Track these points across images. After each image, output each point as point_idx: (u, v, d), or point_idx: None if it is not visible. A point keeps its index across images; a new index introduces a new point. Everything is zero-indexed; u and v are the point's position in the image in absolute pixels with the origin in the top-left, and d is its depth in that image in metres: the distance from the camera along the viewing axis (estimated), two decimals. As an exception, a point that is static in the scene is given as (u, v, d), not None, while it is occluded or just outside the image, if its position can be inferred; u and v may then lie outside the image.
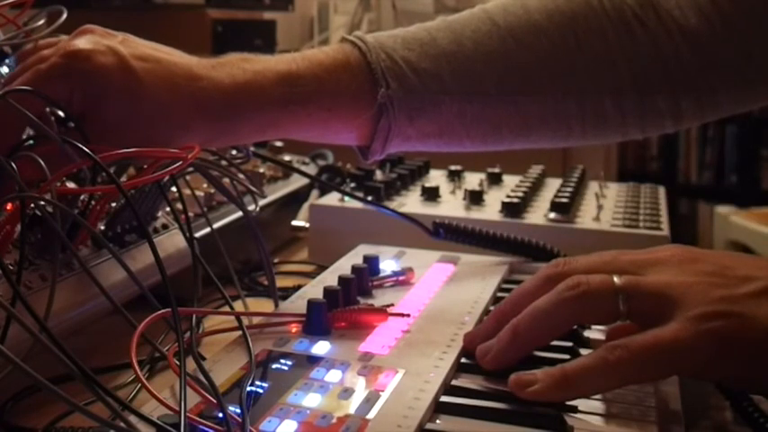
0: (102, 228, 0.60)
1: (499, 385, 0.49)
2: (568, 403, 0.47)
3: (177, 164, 0.54)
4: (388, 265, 0.67)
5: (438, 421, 0.45)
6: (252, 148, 0.76)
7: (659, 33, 0.66)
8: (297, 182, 0.97)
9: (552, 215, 0.85)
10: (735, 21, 0.66)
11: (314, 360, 0.50)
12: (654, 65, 0.67)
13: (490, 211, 0.87)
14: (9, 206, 0.51)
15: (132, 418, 0.38)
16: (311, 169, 1.05)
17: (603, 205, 0.90)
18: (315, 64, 0.63)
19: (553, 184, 1.00)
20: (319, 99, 0.63)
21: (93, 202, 0.57)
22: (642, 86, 0.67)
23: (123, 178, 0.61)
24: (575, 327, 0.55)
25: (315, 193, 0.99)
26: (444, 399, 0.47)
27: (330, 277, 0.64)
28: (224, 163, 0.70)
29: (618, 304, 0.48)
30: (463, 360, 0.52)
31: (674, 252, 0.51)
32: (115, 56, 0.57)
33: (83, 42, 0.57)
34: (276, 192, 0.92)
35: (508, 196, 0.87)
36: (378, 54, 0.65)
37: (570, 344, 0.53)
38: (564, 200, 0.86)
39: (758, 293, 0.46)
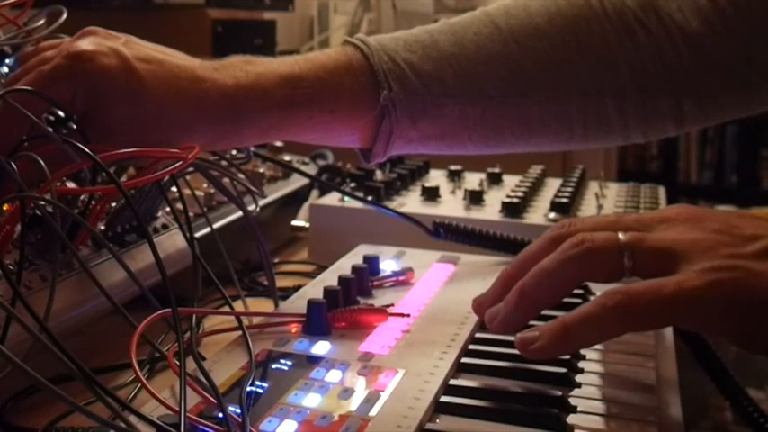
0: (102, 228, 0.60)
1: (499, 385, 0.49)
2: (569, 404, 0.47)
3: (177, 164, 0.54)
4: (388, 265, 0.67)
5: (438, 421, 0.45)
6: (252, 149, 0.76)
7: (660, 36, 0.66)
8: (297, 182, 0.97)
9: (552, 215, 0.85)
10: (736, 24, 0.66)
11: (314, 360, 0.50)
12: (655, 68, 0.67)
13: (490, 211, 0.87)
14: (8, 206, 0.51)
15: (132, 418, 0.38)
16: (311, 169, 1.05)
17: (603, 205, 0.90)
18: (317, 66, 0.63)
19: (553, 184, 1.00)
20: (321, 101, 0.63)
21: (93, 202, 0.57)
22: (644, 89, 0.67)
23: (123, 178, 0.61)
24: (583, 292, 0.55)
25: (315, 193, 0.99)
26: (444, 399, 0.47)
27: (330, 277, 0.64)
28: (224, 163, 0.70)
29: (622, 260, 0.48)
30: (463, 360, 0.52)
31: (681, 211, 0.50)
32: (118, 57, 0.57)
33: (86, 44, 0.57)
34: (276, 192, 0.92)
35: (508, 196, 0.87)
36: (380, 56, 0.65)
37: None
38: (564, 200, 0.86)
39: (765, 252, 0.45)
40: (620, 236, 0.48)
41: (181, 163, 0.54)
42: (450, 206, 0.89)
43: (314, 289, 0.62)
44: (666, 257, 0.47)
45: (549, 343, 0.46)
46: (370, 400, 0.45)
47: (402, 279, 0.65)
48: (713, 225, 0.48)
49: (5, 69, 0.67)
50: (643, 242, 0.48)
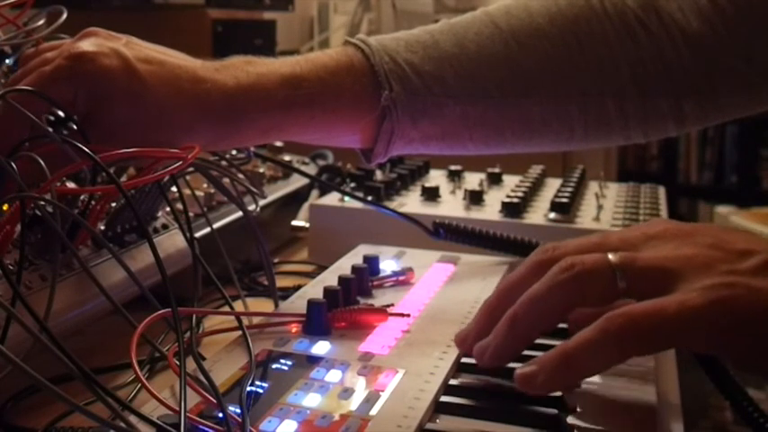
0: (102, 228, 0.60)
1: (499, 383, 0.49)
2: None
3: (177, 164, 0.54)
4: (388, 265, 0.67)
5: (438, 421, 0.45)
6: (252, 149, 0.76)
7: (661, 37, 0.66)
8: (297, 182, 0.97)
9: (552, 215, 0.85)
10: (736, 24, 0.66)
11: (314, 360, 0.50)
12: (656, 68, 0.67)
13: (490, 211, 0.87)
14: (8, 206, 0.51)
15: (132, 418, 0.38)
16: (311, 169, 1.05)
17: (603, 205, 0.90)
18: (318, 66, 0.63)
19: (553, 184, 1.00)
20: (323, 101, 0.63)
21: (93, 202, 0.57)
22: (644, 89, 0.67)
23: (123, 178, 0.61)
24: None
25: (315, 193, 0.99)
26: (444, 399, 0.47)
27: (330, 277, 0.64)
28: (224, 163, 0.70)
29: (615, 282, 0.46)
30: (463, 360, 0.52)
31: (667, 227, 0.49)
32: (119, 58, 0.57)
33: (87, 45, 0.57)
34: (276, 192, 0.92)
35: (508, 196, 0.87)
36: (381, 56, 0.65)
37: None
38: (564, 200, 0.86)
39: (760, 268, 0.44)
40: (611, 257, 0.46)
41: (181, 163, 0.54)
42: (451, 206, 0.89)
43: (314, 289, 0.62)
44: (661, 276, 0.45)
45: (551, 377, 0.44)
46: (370, 400, 0.45)
47: (402, 279, 0.65)
48: (703, 240, 0.47)
49: (5, 69, 0.67)
50: (635, 262, 0.46)
